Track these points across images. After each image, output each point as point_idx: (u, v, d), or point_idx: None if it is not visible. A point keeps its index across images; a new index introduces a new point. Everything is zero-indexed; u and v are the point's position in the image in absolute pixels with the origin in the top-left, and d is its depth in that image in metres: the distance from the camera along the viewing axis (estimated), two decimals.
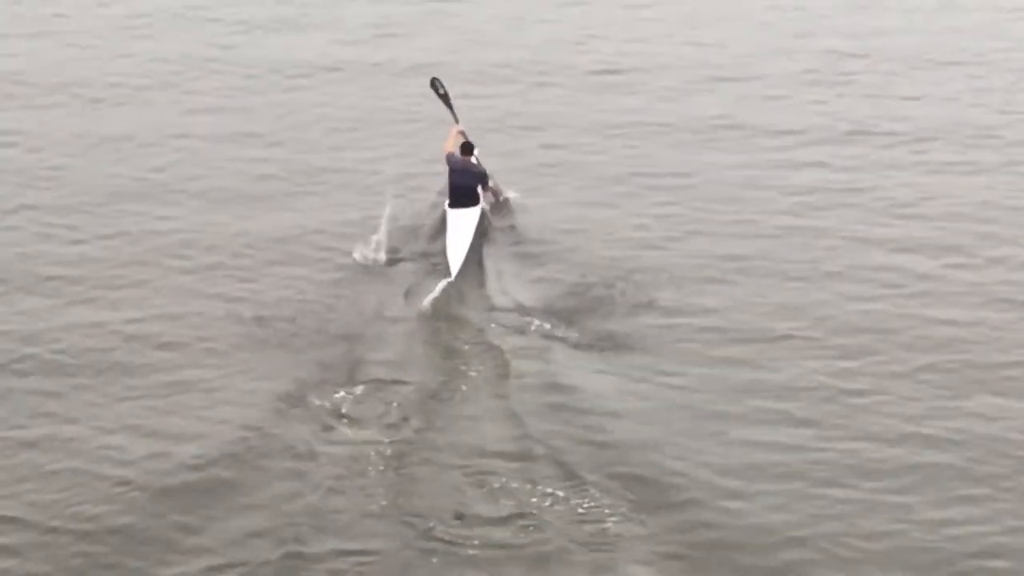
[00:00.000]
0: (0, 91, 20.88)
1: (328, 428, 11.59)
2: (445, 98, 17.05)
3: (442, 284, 14.18)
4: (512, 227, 16.18)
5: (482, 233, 15.43)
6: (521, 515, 10.51)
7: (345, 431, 11.53)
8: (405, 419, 11.73)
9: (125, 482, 10.97)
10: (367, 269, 14.87)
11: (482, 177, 15.96)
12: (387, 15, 24.74)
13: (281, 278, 14.77)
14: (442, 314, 13.79)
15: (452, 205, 15.64)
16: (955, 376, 12.82)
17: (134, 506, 10.68)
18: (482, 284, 14.65)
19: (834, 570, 10.14)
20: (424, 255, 15.26)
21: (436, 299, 13.90)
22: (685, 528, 10.46)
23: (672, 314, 13.88)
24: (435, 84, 17.15)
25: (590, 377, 12.60)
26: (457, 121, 16.64)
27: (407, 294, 14.29)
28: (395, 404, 11.94)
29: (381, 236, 15.11)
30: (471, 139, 16.25)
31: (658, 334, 13.42)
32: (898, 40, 23.37)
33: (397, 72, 21.69)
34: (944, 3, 25.49)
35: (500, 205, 16.51)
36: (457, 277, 14.42)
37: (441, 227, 15.43)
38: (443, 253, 14.89)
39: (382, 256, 14.99)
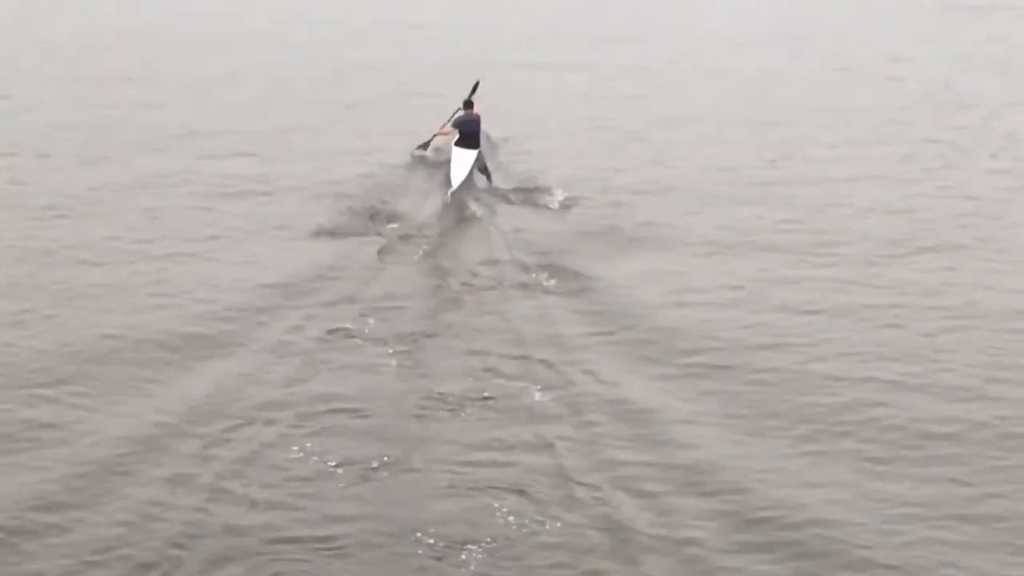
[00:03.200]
0: None
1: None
2: (474, 88, 24.32)
3: (449, 191, 21.70)
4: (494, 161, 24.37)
5: (478, 167, 22.89)
6: (494, 369, 14.33)
7: (386, 256, 18.58)
8: (431, 253, 19.12)
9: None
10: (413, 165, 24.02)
11: (478, 123, 23.32)
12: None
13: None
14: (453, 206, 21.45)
15: (458, 144, 22.98)
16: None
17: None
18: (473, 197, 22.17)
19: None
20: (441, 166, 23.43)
21: (452, 192, 21.53)
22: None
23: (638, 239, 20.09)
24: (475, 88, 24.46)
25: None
26: (445, 125, 23.89)
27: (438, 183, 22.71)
28: (420, 240, 19.58)
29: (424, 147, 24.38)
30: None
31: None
32: None
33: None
34: None
35: (491, 146, 24.51)
36: (456, 190, 21.80)
37: (449, 158, 23.00)
38: (448, 174, 22.43)
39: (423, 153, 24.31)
